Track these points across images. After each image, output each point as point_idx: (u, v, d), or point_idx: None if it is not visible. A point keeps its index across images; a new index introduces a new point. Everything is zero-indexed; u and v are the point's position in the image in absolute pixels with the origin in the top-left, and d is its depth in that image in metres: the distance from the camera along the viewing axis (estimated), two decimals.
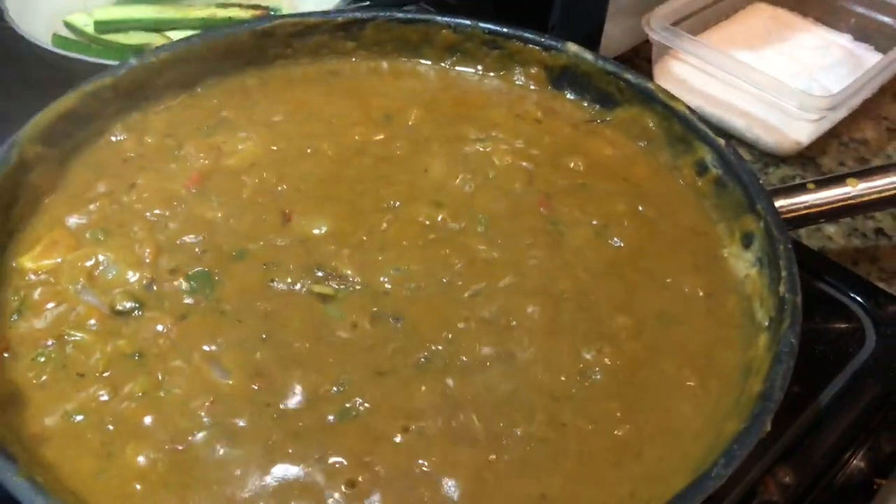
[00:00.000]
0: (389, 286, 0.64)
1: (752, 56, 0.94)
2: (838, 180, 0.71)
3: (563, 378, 0.59)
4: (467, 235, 0.68)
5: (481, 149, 0.76)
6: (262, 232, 0.67)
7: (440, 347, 0.60)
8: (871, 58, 0.97)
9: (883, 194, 0.70)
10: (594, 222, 0.70)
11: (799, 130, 0.88)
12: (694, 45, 0.89)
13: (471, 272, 0.65)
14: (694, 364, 0.60)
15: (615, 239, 0.69)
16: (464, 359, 0.60)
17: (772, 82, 0.85)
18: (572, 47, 0.80)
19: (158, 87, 0.77)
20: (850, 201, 0.70)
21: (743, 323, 0.63)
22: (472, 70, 0.84)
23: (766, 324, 0.61)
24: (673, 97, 0.76)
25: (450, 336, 0.61)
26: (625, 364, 0.60)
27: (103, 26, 0.98)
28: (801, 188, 0.71)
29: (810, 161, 0.91)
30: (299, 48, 0.82)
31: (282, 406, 0.56)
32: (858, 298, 0.73)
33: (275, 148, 0.75)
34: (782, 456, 0.62)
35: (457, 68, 0.84)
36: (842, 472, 0.64)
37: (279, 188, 0.71)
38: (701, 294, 0.65)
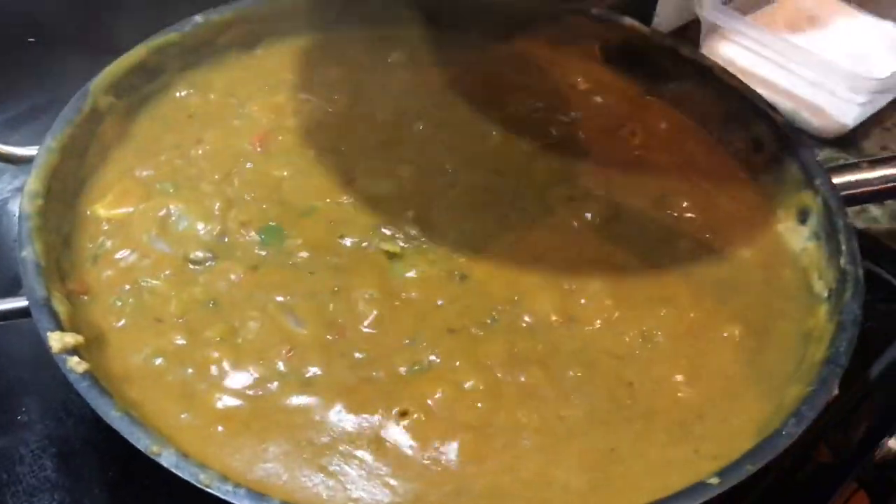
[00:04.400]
0: (455, 246, 0.65)
1: (798, 39, 0.94)
2: (891, 160, 0.72)
3: (626, 339, 0.60)
4: (528, 201, 0.69)
5: (539, 118, 0.77)
6: (327, 190, 0.68)
7: (507, 307, 0.61)
8: None
9: None
10: (651, 193, 0.71)
11: (845, 113, 0.89)
12: (745, 25, 0.90)
13: (532, 236, 0.67)
14: (753, 332, 0.62)
15: (671, 210, 0.70)
16: (528, 320, 0.61)
17: (822, 64, 0.86)
18: (628, 21, 0.81)
19: (221, 45, 0.78)
20: None
21: (799, 294, 0.65)
22: (529, 42, 0.84)
23: (826, 295, 0.62)
24: (729, 74, 0.77)
25: (515, 297, 0.62)
26: (686, 329, 0.61)
27: None
28: (854, 167, 0.72)
29: (853, 145, 0.92)
30: (356, 14, 0.83)
31: (356, 356, 0.57)
32: None
33: (334, 110, 0.76)
34: (832, 425, 0.64)
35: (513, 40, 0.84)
36: (886, 444, 0.66)
37: (341, 149, 0.72)
38: (758, 266, 0.67)
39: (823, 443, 0.62)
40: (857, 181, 0.71)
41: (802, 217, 0.68)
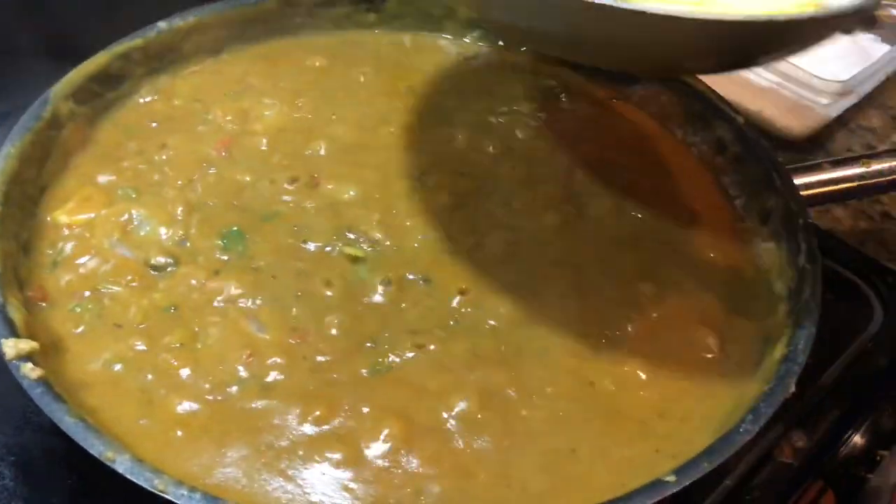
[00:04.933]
0: (418, 250, 0.65)
1: None
2: (853, 161, 0.73)
3: (589, 340, 0.61)
4: (492, 204, 0.69)
5: (504, 121, 0.77)
6: (291, 195, 0.68)
7: (469, 309, 0.62)
8: (877, 49, 0.99)
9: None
10: (615, 195, 0.72)
11: (810, 115, 0.90)
12: None
13: (496, 239, 0.67)
14: (715, 331, 0.62)
15: (635, 211, 0.71)
16: (492, 322, 0.61)
17: (787, 66, 0.87)
18: None
19: (186, 51, 0.77)
20: (863, 182, 0.72)
21: (761, 293, 0.65)
22: (494, 46, 0.85)
23: (785, 294, 0.63)
24: (694, 77, 0.77)
25: (478, 300, 0.62)
26: (648, 329, 0.62)
27: None
28: (816, 167, 0.73)
29: (819, 146, 0.93)
30: (322, 18, 0.83)
31: (318, 359, 0.57)
32: (867, 277, 0.76)
33: (300, 115, 0.76)
34: (795, 423, 0.64)
35: (479, 43, 0.85)
36: (851, 441, 0.66)
37: (306, 153, 0.72)
38: (720, 266, 0.67)
39: (786, 442, 0.62)
40: (818, 181, 0.72)
41: (764, 217, 0.69)
